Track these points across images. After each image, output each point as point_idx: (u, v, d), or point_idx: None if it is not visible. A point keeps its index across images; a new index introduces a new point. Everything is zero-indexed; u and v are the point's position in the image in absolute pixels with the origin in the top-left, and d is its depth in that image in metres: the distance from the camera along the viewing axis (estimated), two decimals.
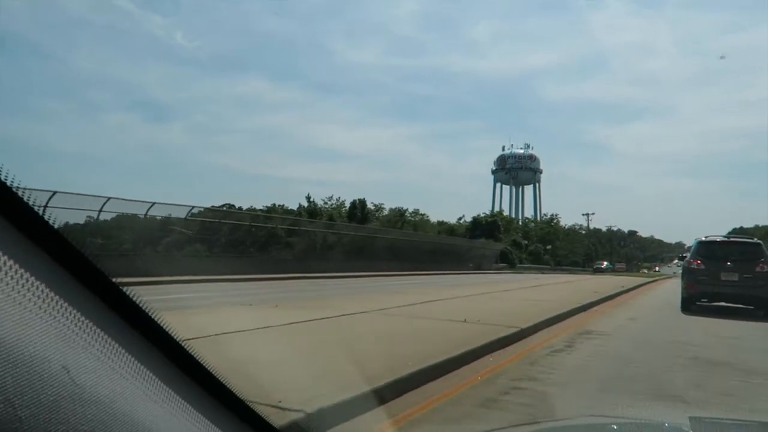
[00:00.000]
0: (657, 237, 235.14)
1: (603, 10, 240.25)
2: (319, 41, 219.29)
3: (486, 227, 70.02)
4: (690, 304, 13.60)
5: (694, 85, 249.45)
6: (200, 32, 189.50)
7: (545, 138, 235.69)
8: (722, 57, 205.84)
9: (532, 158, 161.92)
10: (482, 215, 72.61)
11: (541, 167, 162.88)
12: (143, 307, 0.94)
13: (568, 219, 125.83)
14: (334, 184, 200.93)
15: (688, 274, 13.85)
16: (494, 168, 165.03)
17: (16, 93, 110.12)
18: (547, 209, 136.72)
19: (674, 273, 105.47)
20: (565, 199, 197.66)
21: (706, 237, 14.51)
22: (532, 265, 68.04)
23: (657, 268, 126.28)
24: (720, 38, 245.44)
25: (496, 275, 38.67)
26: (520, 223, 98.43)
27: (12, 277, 0.68)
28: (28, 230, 0.74)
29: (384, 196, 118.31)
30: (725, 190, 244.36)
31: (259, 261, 26.25)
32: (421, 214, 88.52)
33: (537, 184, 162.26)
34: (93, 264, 0.84)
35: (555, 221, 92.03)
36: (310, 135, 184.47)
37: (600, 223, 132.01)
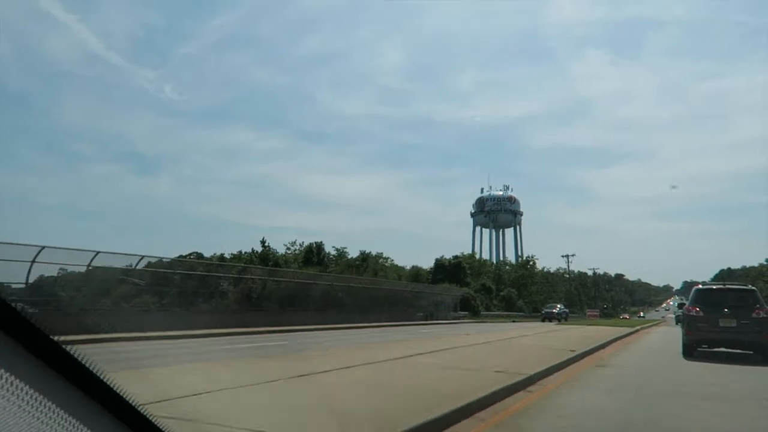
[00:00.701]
0: (644, 280, 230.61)
1: (583, 59, 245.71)
2: (306, 92, 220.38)
3: (450, 270, 62.24)
4: (691, 351, 13.82)
5: (674, 130, 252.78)
6: (189, 85, 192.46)
7: (529, 183, 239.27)
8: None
9: (511, 200, 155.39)
10: (445, 258, 64.72)
11: (522, 209, 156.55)
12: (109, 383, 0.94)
13: (552, 264, 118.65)
14: (322, 232, 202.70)
15: (687, 321, 14.05)
16: (473, 211, 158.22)
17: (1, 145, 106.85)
18: (530, 254, 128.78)
19: (662, 318, 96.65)
20: (549, 243, 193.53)
21: (703, 284, 15.49)
22: (501, 313, 59.92)
23: (642, 314, 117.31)
24: (698, 85, 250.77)
25: (436, 327, 30.61)
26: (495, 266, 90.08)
27: None
28: None
29: (371, 243, 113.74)
30: (708, 233, 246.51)
31: (193, 313, 24.46)
32: (384, 258, 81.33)
33: (518, 227, 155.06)
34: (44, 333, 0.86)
35: (531, 264, 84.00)
36: (297, 184, 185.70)
37: (585, 266, 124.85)
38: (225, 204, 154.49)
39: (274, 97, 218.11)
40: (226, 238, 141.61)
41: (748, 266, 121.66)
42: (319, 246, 72.52)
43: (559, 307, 54.23)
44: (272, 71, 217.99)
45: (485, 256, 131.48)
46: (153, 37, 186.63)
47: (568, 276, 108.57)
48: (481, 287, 64.72)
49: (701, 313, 13.48)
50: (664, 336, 25.32)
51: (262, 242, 64.71)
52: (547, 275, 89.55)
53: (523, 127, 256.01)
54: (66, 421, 0.80)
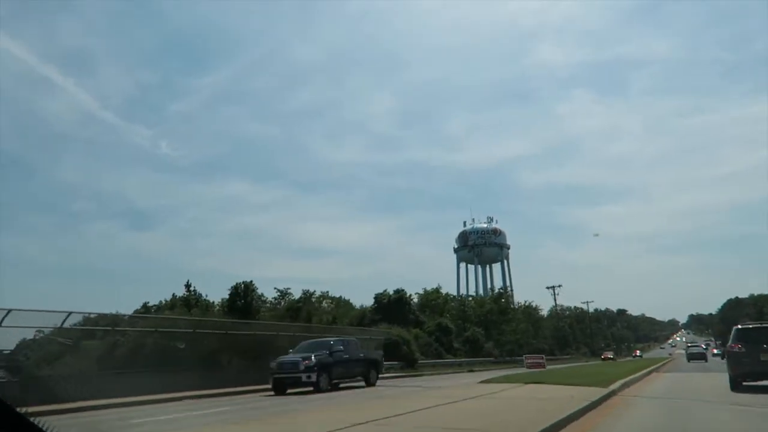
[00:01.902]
0: (648, 315, 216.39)
1: (569, 99, 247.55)
2: (299, 142, 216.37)
3: (391, 307, 48.49)
4: (738, 384, 14.65)
5: (663, 165, 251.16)
6: (184, 140, 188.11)
7: (523, 222, 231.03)
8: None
9: (496, 232, 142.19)
10: (387, 292, 50.99)
11: (509, 242, 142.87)
12: None
13: (548, 303, 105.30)
14: (319, 281, 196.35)
15: (731, 357, 15.10)
16: (456, 246, 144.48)
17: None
18: (520, 291, 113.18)
19: (669, 355, 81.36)
20: (545, 282, 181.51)
21: (741, 324, 16.93)
22: (461, 360, 45.92)
23: (638, 353, 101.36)
24: (682, 120, 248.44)
25: (269, 402, 16.73)
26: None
27: None
28: None
29: (364, 290, 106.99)
30: (709, 265, 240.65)
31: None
32: (330, 297, 68.26)
33: (505, 261, 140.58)
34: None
35: (505, 297, 69.65)
36: (293, 233, 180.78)
37: (583, 303, 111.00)
38: (223, 256, 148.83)
39: (269, 148, 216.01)
40: (221, 290, 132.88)
41: (756, 294, 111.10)
42: (247, 286, 59.28)
43: (330, 348, 20.68)
44: (266, 124, 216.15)
45: (471, 293, 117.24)
46: (147, 95, 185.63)
47: (566, 312, 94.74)
48: (437, 327, 50.81)
49: (743, 350, 14.64)
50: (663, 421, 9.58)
51: (187, 286, 53.94)
52: (529, 310, 75.08)
53: (515, 167, 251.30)
54: None
